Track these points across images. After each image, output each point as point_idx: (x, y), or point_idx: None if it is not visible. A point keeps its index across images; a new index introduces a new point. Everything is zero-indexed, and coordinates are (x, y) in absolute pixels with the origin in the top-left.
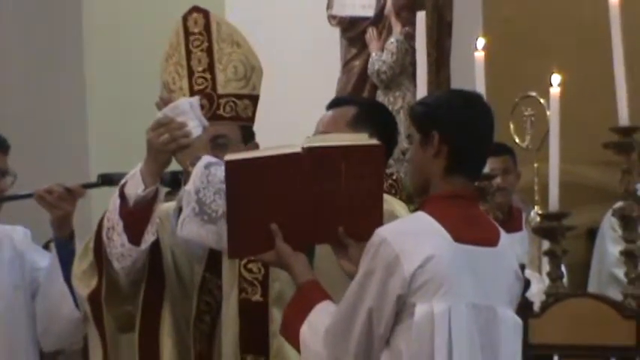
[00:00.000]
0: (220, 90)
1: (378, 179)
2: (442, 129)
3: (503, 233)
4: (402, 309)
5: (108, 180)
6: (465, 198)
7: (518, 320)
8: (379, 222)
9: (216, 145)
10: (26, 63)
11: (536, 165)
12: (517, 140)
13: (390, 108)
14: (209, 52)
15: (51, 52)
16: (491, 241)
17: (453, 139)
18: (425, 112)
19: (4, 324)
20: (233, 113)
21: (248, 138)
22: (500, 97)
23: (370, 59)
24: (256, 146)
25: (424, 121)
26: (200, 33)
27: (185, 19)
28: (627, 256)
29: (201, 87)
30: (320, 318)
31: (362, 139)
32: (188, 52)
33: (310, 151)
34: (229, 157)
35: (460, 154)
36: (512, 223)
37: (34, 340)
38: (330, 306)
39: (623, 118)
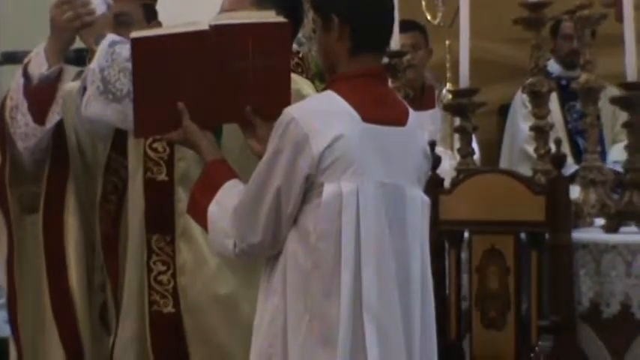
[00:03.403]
0: None
1: (285, 57)
2: (340, 11)
3: (412, 112)
4: (310, 188)
5: (11, 58)
6: (372, 76)
7: (426, 199)
8: (287, 101)
9: (119, 23)
10: None
11: (448, 42)
12: (429, 17)
13: None
14: None
15: None
16: (400, 120)
17: (353, 19)
18: None
19: None
20: None
21: (151, 17)
22: None
23: None
24: (159, 25)
25: (322, 6)
26: None
27: None
28: (537, 131)
29: None
30: (228, 197)
31: (269, 16)
32: None
33: (217, 29)
34: (135, 34)
35: (362, 32)
36: (424, 101)
37: None
38: (238, 185)
39: None
